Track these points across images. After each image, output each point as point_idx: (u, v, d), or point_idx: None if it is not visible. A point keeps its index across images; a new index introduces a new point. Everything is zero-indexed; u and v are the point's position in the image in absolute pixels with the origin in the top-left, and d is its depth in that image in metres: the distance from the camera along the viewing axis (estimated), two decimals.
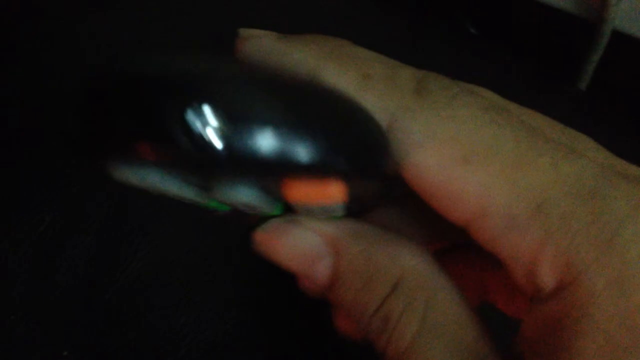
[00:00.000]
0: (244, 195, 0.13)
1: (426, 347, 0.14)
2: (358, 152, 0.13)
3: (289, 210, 0.15)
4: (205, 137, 0.11)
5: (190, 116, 0.11)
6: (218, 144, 0.11)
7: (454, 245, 0.19)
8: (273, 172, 0.12)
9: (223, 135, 0.11)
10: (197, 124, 0.11)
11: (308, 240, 0.16)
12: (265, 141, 0.12)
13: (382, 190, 0.16)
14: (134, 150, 0.12)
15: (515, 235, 0.14)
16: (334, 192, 0.14)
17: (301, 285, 0.17)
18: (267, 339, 0.31)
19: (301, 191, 0.13)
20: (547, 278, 0.14)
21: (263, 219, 0.16)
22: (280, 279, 0.34)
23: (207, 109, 0.11)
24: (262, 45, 0.16)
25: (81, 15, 0.43)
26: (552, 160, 0.14)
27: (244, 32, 0.17)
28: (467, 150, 0.14)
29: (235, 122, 0.11)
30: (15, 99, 0.39)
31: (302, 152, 0.12)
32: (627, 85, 0.39)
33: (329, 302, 0.17)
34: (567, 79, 0.40)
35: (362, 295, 0.15)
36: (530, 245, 0.14)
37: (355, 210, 0.16)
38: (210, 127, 0.11)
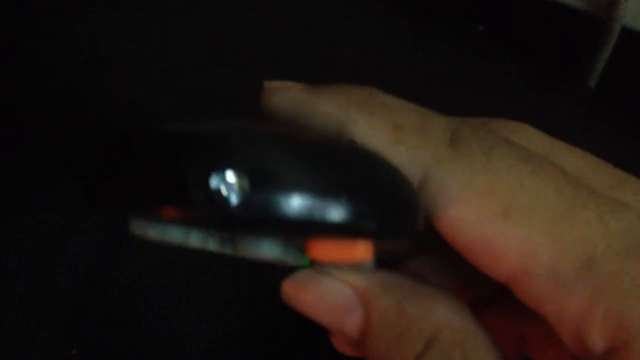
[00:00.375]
0: (268, 251, 0.13)
1: None
2: (386, 211, 0.13)
3: (317, 261, 0.15)
4: (228, 200, 0.11)
5: (214, 180, 0.11)
6: (241, 207, 0.11)
7: (490, 295, 0.18)
8: (297, 232, 0.12)
9: (246, 198, 0.11)
10: (221, 188, 0.11)
11: (338, 292, 0.15)
12: (289, 203, 0.11)
13: (412, 244, 0.16)
14: (155, 210, 0.12)
15: (561, 294, 0.13)
16: (361, 252, 0.13)
17: (334, 343, 0.17)
18: (267, 339, 0.31)
19: (327, 251, 0.13)
20: (597, 340, 0.13)
21: (292, 268, 0.16)
22: (282, 279, 0.34)
23: (230, 173, 0.11)
24: (289, 97, 0.16)
25: (81, 15, 0.43)
26: (598, 215, 0.13)
27: (270, 84, 0.16)
28: (507, 205, 0.13)
29: (258, 185, 0.11)
30: (15, 98, 0.40)
31: (328, 214, 0.12)
32: (636, 82, 0.38)
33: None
34: (576, 76, 0.39)
35: (395, 351, 0.14)
36: (579, 305, 0.13)
37: (384, 262, 0.16)
38: (234, 191, 0.11)
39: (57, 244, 0.33)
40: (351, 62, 0.40)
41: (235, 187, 0.11)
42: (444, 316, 0.15)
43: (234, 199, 0.11)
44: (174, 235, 0.13)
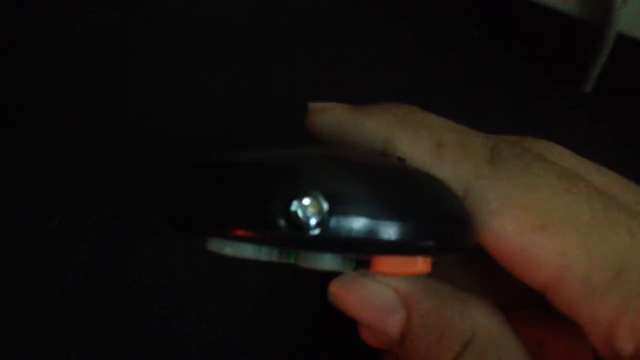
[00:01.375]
0: (329, 264, 0.14)
1: None
2: (447, 230, 0.14)
3: (362, 265, 0.16)
4: (307, 224, 0.12)
5: (295, 206, 0.12)
6: (318, 230, 0.12)
7: (515, 304, 0.19)
8: (365, 252, 0.14)
9: (322, 222, 0.12)
10: (301, 214, 0.12)
11: (382, 294, 0.16)
12: (362, 226, 0.13)
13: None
14: (237, 232, 0.13)
15: (594, 300, 0.14)
16: (421, 267, 0.14)
17: (364, 337, 0.18)
18: (269, 340, 0.31)
19: (391, 266, 0.14)
20: (626, 343, 0.14)
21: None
22: (283, 280, 0.34)
23: (309, 200, 0.12)
24: (334, 117, 0.17)
25: (81, 15, 0.43)
26: (628, 229, 0.14)
27: (315, 105, 0.17)
28: (544, 218, 0.14)
29: (335, 210, 0.12)
30: (15, 99, 0.39)
31: (394, 235, 0.13)
32: (632, 88, 0.39)
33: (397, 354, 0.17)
34: (573, 82, 0.40)
35: (434, 352, 0.15)
36: (610, 311, 0.14)
37: None
38: (313, 215, 0.12)
39: (59, 245, 0.33)
40: (352, 68, 0.41)
41: (314, 212, 0.12)
42: (480, 320, 0.15)
43: (313, 223, 0.12)
44: (249, 252, 0.14)
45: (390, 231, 0.13)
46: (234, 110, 0.39)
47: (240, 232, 0.13)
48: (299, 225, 0.12)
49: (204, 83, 0.40)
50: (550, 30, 0.41)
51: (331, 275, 0.16)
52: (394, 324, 0.16)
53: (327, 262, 0.14)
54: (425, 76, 0.40)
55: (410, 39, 0.43)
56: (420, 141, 0.16)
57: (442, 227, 0.14)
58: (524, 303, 0.19)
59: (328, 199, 0.12)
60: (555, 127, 0.38)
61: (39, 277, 0.32)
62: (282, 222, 0.12)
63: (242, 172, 0.13)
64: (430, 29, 0.43)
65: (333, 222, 0.12)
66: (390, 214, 0.13)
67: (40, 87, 0.40)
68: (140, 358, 0.30)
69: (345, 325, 0.18)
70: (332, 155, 0.14)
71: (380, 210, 0.13)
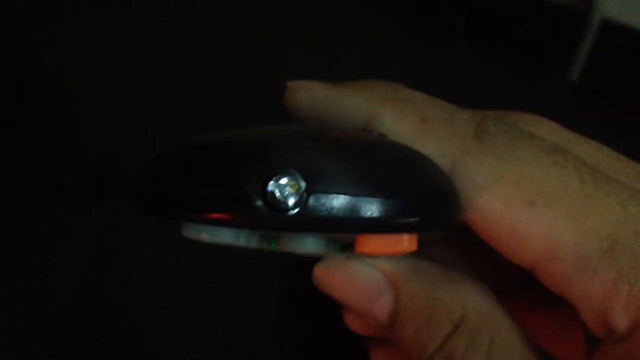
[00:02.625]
0: (311, 247, 0.14)
1: None
2: (432, 205, 0.13)
3: (347, 248, 0.15)
4: (285, 204, 0.12)
5: (271, 186, 0.12)
6: (296, 209, 0.12)
7: (502, 285, 0.18)
8: (347, 231, 0.13)
9: (301, 201, 0.12)
10: (278, 193, 0.12)
11: (368, 276, 0.15)
12: (340, 202, 0.12)
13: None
14: (212, 216, 0.12)
15: (586, 276, 0.14)
16: (406, 245, 0.14)
17: (350, 323, 0.17)
18: (269, 340, 0.31)
19: (375, 245, 0.14)
20: (621, 318, 0.13)
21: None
22: (281, 279, 0.34)
23: (286, 179, 0.12)
24: (313, 94, 0.16)
25: (81, 14, 0.43)
26: (619, 200, 0.14)
27: (293, 83, 0.17)
28: (533, 193, 0.14)
29: (314, 189, 0.12)
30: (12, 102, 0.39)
31: (376, 212, 0.12)
32: (618, 73, 0.39)
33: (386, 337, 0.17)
34: (558, 70, 0.40)
35: (423, 333, 0.15)
36: (603, 286, 0.13)
37: None
38: (290, 195, 0.12)
39: (56, 246, 0.33)
40: (342, 63, 0.41)
41: (292, 191, 0.12)
42: (471, 300, 0.15)
43: (291, 203, 0.12)
44: (226, 237, 0.14)
45: (372, 208, 0.12)
46: (235, 111, 0.39)
47: (215, 215, 0.12)
48: (277, 206, 0.12)
49: (204, 83, 0.41)
50: (534, 18, 0.41)
51: (316, 261, 0.16)
52: (382, 306, 0.15)
53: (309, 244, 0.14)
54: (409, 69, 0.40)
55: (395, 33, 0.43)
56: (404, 116, 0.15)
57: (426, 202, 0.13)
58: (512, 284, 0.18)
59: (306, 177, 0.12)
60: (542, 114, 0.38)
61: (38, 277, 0.32)
62: (259, 203, 0.12)
63: (214, 152, 0.13)
64: (416, 23, 0.43)
65: (312, 201, 0.12)
66: (372, 190, 0.12)
67: (40, 86, 0.40)
68: (139, 358, 0.30)
69: (344, 325, 0.18)
70: (309, 131, 0.13)
71: (362, 186, 0.12)
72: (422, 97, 0.16)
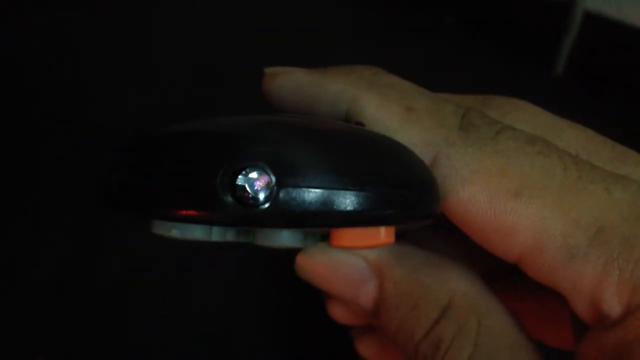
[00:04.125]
0: (288, 241, 0.14)
1: None
2: (408, 196, 0.13)
3: (327, 238, 0.15)
4: (255, 199, 0.11)
5: (241, 181, 0.11)
6: (267, 204, 0.11)
7: (487, 275, 0.18)
8: (320, 225, 0.12)
9: (271, 195, 0.11)
10: (248, 188, 0.11)
11: (352, 263, 0.15)
12: (313, 196, 0.12)
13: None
14: (180, 212, 0.12)
15: (575, 265, 0.13)
16: (382, 238, 0.13)
17: (334, 313, 0.17)
18: (257, 334, 0.31)
19: (351, 238, 0.13)
20: (613, 305, 0.13)
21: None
22: (271, 275, 0.34)
23: (255, 173, 0.11)
24: (293, 80, 0.16)
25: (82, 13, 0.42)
26: (604, 186, 0.14)
27: (271, 69, 0.16)
28: (518, 184, 0.14)
29: (282, 182, 0.11)
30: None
31: (351, 205, 0.12)
32: (601, 65, 0.39)
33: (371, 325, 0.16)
34: (542, 64, 0.40)
35: (409, 320, 0.15)
36: (593, 273, 0.13)
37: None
38: (260, 190, 0.11)
39: (38, 240, 0.33)
40: (324, 54, 0.41)
41: (262, 185, 0.11)
42: (458, 285, 0.15)
43: (261, 197, 0.11)
44: (197, 233, 0.13)
45: (346, 201, 0.12)
46: (235, 110, 0.39)
47: (182, 212, 0.12)
48: (246, 201, 0.11)
49: (205, 83, 0.40)
50: (519, 11, 0.41)
51: (299, 251, 0.15)
52: (366, 294, 0.15)
53: (285, 239, 0.13)
54: (396, 61, 0.40)
55: (380, 25, 0.43)
56: (388, 104, 0.15)
57: (403, 194, 0.13)
58: (499, 271, 0.18)
59: (276, 170, 0.11)
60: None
61: (19, 273, 0.32)
62: (228, 198, 0.11)
63: (181, 144, 0.12)
64: (402, 15, 0.43)
65: (283, 195, 0.11)
66: (345, 182, 0.12)
67: (41, 84, 0.39)
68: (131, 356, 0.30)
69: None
70: (280, 121, 0.13)
71: (335, 178, 0.12)
72: (407, 85, 0.16)
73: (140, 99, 0.39)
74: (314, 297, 0.17)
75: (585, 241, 0.13)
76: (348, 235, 0.13)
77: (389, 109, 0.15)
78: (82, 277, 0.32)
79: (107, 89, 0.39)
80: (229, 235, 0.14)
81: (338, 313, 0.17)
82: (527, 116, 0.16)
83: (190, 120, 0.13)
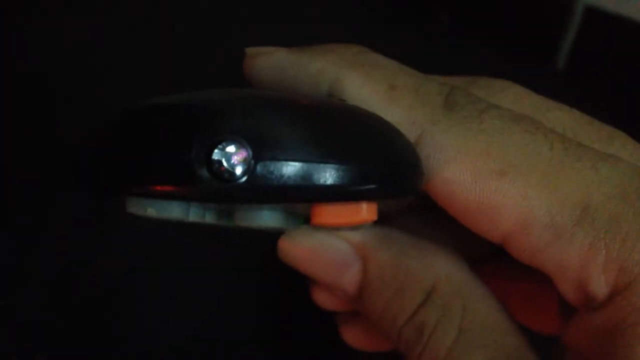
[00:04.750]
0: (268, 220, 0.13)
1: (464, 358, 0.14)
2: (390, 171, 0.13)
3: (321, 227, 0.15)
4: (231, 173, 0.11)
5: (217, 155, 0.11)
6: (244, 178, 0.11)
7: (472, 257, 0.18)
8: (302, 200, 0.12)
9: (249, 169, 0.11)
10: (224, 162, 0.11)
11: (335, 247, 0.15)
12: (294, 172, 0.11)
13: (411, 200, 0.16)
14: (154, 188, 0.11)
15: (561, 245, 0.13)
16: (365, 214, 0.13)
17: (318, 299, 0.17)
18: (253, 331, 0.31)
19: (332, 216, 0.13)
20: (600, 285, 0.13)
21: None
22: (265, 269, 0.33)
23: (232, 146, 0.11)
24: (274, 60, 0.15)
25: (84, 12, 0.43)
26: (591, 163, 0.13)
27: (253, 49, 0.16)
28: (503, 162, 0.13)
29: (260, 155, 0.11)
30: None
31: (331, 179, 0.12)
32: (602, 60, 0.39)
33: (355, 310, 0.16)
34: (543, 59, 0.40)
35: (393, 304, 0.14)
36: (579, 253, 0.13)
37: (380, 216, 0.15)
38: (237, 164, 0.11)
39: (34, 236, 0.33)
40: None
41: (239, 159, 0.11)
42: (442, 268, 0.14)
43: (238, 172, 0.11)
44: (174, 211, 0.13)
45: (326, 175, 0.11)
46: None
47: (156, 188, 0.11)
48: (223, 175, 0.11)
49: (204, 84, 0.40)
50: (519, 7, 0.41)
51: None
52: (350, 278, 0.15)
53: (265, 218, 0.13)
54: (393, 57, 0.40)
55: (377, 21, 0.43)
56: (372, 82, 0.14)
57: (385, 168, 0.13)
58: (483, 257, 0.18)
59: (253, 143, 0.11)
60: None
61: (16, 271, 0.32)
62: (204, 173, 0.11)
63: (155, 118, 0.12)
64: (400, 12, 0.43)
65: (260, 169, 0.11)
66: (325, 156, 0.11)
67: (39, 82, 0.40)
68: (124, 349, 0.30)
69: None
70: (257, 94, 0.12)
71: (314, 151, 0.11)
72: (391, 63, 0.15)
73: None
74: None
75: (571, 221, 0.13)
76: (329, 212, 0.13)
77: (371, 87, 0.14)
78: (82, 277, 0.32)
79: (113, 91, 0.39)
80: (208, 216, 0.14)
81: (322, 299, 0.17)
82: (513, 96, 0.16)
83: (166, 95, 0.12)
